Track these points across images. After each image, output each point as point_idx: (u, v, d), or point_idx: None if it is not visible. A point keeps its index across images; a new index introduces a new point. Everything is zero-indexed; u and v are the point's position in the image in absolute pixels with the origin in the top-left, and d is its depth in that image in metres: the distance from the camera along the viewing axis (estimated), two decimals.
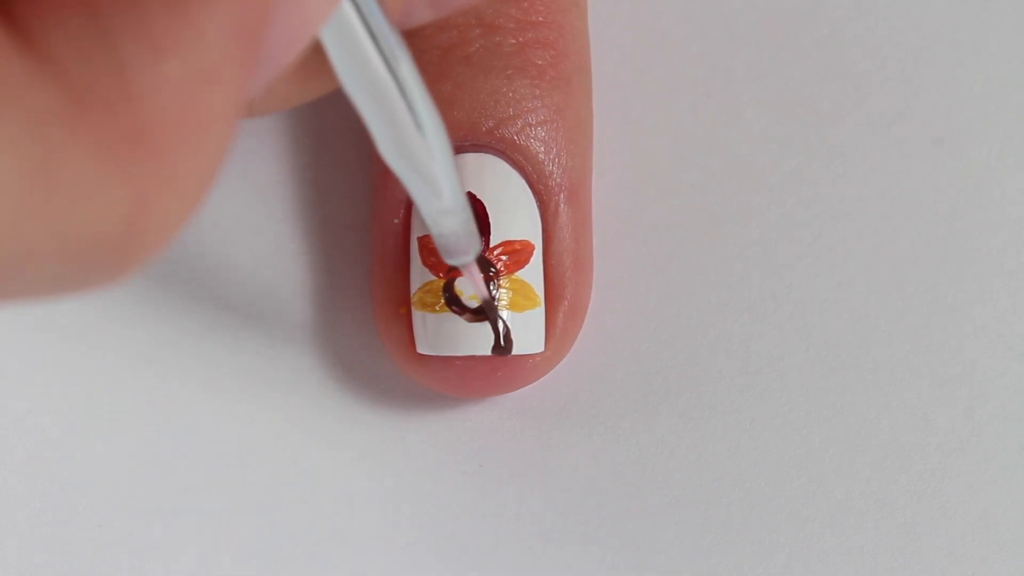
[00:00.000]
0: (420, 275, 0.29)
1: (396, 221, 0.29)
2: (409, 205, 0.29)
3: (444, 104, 0.28)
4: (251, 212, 0.31)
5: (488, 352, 0.28)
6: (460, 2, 0.23)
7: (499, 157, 0.29)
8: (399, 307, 0.29)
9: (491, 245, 0.28)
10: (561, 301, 0.29)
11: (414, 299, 0.29)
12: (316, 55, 0.20)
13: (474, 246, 0.25)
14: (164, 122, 0.16)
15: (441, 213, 0.24)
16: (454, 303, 0.28)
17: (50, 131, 0.15)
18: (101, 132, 0.16)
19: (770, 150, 0.32)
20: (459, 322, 0.28)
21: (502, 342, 0.28)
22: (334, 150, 0.32)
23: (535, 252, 0.29)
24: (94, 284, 0.17)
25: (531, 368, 0.29)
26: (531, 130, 0.29)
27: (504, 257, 0.28)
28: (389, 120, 0.21)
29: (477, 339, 0.28)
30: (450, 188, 0.23)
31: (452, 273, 0.28)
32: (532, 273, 0.29)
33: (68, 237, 0.16)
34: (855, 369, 0.31)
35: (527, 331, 0.29)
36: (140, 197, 0.16)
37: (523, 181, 0.29)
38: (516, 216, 0.29)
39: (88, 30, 0.16)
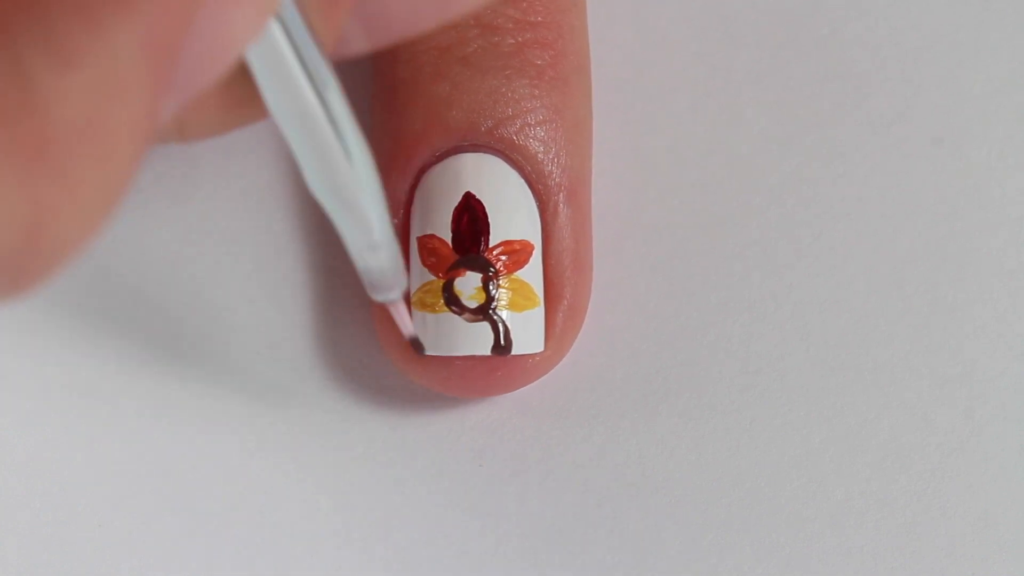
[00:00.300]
0: (419, 275, 0.29)
1: (395, 221, 0.29)
2: (408, 205, 0.29)
3: (442, 104, 0.29)
4: (251, 212, 0.31)
5: (488, 352, 0.28)
6: (399, 33, 0.22)
7: (498, 157, 0.29)
8: None
9: (490, 245, 0.28)
10: (560, 301, 0.29)
11: (413, 299, 0.29)
12: (247, 80, 0.20)
13: (400, 282, 0.25)
14: (68, 135, 0.15)
15: (369, 248, 0.24)
16: (453, 303, 0.28)
17: None
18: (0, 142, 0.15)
19: (770, 150, 0.32)
20: (458, 322, 0.28)
21: (502, 342, 0.28)
22: None
23: (534, 252, 0.29)
24: None
25: (531, 368, 0.29)
26: (530, 130, 0.29)
27: (503, 257, 0.28)
28: (316, 149, 0.20)
29: (476, 339, 0.28)
30: (378, 221, 0.23)
31: (451, 273, 0.28)
32: (531, 273, 0.29)
33: None
34: (855, 369, 0.31)
35: (526, 331, 0.29)
36: (39, 210, 0.16)
37: (522, 181, 0.29)
38: (515, 216, 0.29)
39: None
